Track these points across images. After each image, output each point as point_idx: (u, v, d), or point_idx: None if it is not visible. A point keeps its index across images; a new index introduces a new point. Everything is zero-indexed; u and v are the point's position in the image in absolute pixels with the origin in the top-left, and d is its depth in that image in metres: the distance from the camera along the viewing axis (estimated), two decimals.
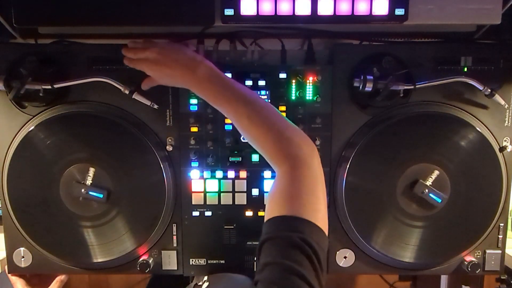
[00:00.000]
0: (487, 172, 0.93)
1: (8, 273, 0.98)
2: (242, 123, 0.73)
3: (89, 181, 0.92)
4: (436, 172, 0.92)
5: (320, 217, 0.62)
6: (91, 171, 0.92)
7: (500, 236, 0.96)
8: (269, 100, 0.93)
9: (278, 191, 0.65)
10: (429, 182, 0.91)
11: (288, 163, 0.66)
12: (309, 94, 0.92)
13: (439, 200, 0.91)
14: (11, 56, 0.90)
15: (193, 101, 0.93)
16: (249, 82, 0.92)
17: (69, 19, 0.85)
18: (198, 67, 0.79)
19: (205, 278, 0.96)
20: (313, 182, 0.65)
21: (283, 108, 0.93)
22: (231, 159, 0.95)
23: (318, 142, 0.93)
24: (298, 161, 0.66)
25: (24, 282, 0.98)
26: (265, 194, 0.96)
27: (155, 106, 0.90)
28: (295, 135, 0.69)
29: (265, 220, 0.64)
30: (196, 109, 0.93)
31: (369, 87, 0.86)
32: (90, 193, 0.91)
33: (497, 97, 0.89)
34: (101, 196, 0.91)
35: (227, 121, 0.94)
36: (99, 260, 0.95)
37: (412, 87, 0.88)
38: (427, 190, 0.91)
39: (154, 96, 0.91)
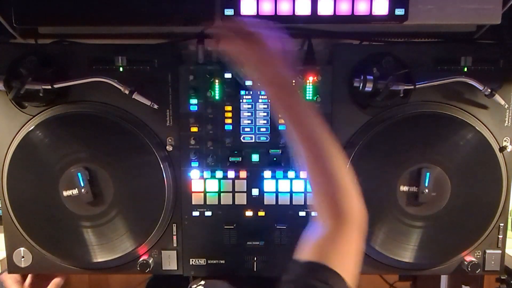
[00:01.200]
0: (487, 172, 0.93)
1: (8, 273, 0.98)
2: (311, 162, 0.70)
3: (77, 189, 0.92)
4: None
5: (350, 276, 0.61)
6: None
7: (500, 236, 0.96)
8: (269, 100, 0.93)
9: (319, 239, 0.65)
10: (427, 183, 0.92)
11: (339, 220, 0.65)
12: (309, 94, 0.92)
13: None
14: (11, 56, 0.90)
15: (193, 101, 0.93)
16: (249, 82, 0.92)
17: (69, 19, 0.85)
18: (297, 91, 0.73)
19: (202, 282, 0.97)
20: (355, 246, 0.65)
21: None
22: (231, 159, 0.95)
23: None
24: (348, 223, 0.65)
25: (16, 279, 0.97)
26: (265, 194, 0.96)
27: (155, 106, 0.90)
28: (354, 197, 0.68)
29: (295, 256, 0.64)
30: (196, 109, 0.93)
31: (369, 87, 0.86)
32: (78, 174, 0.91)
33: (497, 97, 0.89)
34: (82, 185, 0.91)
35: (227, 121, 0.94)
36: (99, 260, 0.95)
37: (412, 87, 0.88)
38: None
39: (154, 96, 0.91)
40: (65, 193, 0.92)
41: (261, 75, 0.72)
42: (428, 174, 0.91)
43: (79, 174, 0.91)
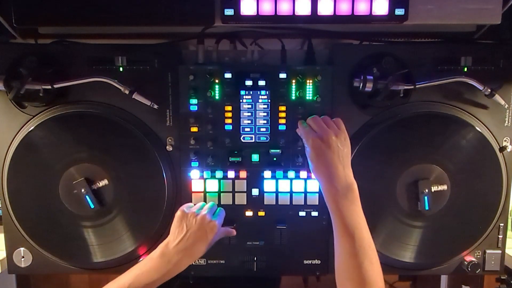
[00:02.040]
0: (487, 172, 0.93)
1: (9, 273, 0.98)
2: (343, 251, 0.76)
3: (95, 187, 0.92)
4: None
5: None
6: (104, 181, 0.92)
7: (500, 236, 0.96)
8: (269, 100, 0.93)
9: None
10: (434, 188, 0.92)
11: None
12: (309, 94, 0.92)
13: (427, 208, 0.91)
14: (11, 56, 0.90)
15: (193, 101, 0.93)
16: (249, 82, 0.92)
17: (69, 19, 0.85)
18: (351, 189, 0.79)
19: None
20: None
21: (283, 108, 0.93)
22: (231, 159, 0.94)
23: None
24: None
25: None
26: (265, 194, 0.96)
27: (155, 106, 0.90)
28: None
29: None
30: (196, 109, 0.93)
31: (369, 87, 0.86)
32: (86, 196, 0.91)
33: (497, 97, 0.89)
34: (92, 206, 0.91)
35: (227, 121, 0.94)
36: (99, 260, 0.95)
37: (412, 87, 0.88)
38: (427, 190, 0.91)
39: (154, 96, 0.91)
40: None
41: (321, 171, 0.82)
42: (426, 198, 0.91)
43: (87, 197, 0.91)
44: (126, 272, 0.82)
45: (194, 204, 0.92)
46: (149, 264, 0.81)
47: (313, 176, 0.86)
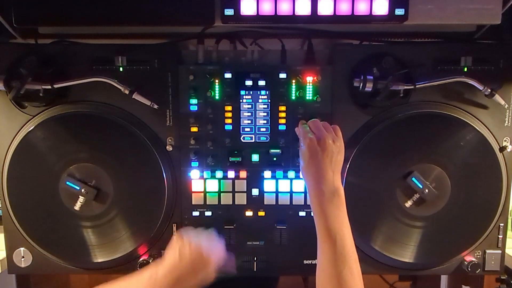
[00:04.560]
0: (487, 172, 0.93)
1: (9, 273, 0.98)
2: (323, 257, 0.73)
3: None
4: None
5: None
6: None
7: (500, 236, 0.96)
8: (269, 100, 0.93)
9: None
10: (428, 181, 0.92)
11: None
12: (309, 94, 0.92)
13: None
14: (11, 56, 0.90)
15: (193, 101, 0.93)
16: (249, 82, 0.92)
17: (69, 19, 0.85)
18: (337, 194, 0.77)
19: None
20: None
21: (283, 108, 0.93)
22: (231, 159, 0.94)
23: None
24: None
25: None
26: (265, 194, 0.96)
27: (155, 106, 0.90)
28: None
29: None
30: (196, 109, 0.93)
31: (369, 87, 0.86)
32: (67, 182, 0.91)
33: (497, 97, 0.89)
34: (77, 188, 0.91)
35: (227, 121, 0.94)
36: (99, 260, 0.95)
37: (412, 87, 0.88)
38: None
39: (154, 96, 0.91)
40: (76, 207, 0.93)
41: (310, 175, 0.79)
42: (414, 179, 0.91)
43: (67, 182, 0.91)
44: (113, 282, 0.77)
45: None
46: (137, 284, 0.76)
47: (301, 175, 0.85)
